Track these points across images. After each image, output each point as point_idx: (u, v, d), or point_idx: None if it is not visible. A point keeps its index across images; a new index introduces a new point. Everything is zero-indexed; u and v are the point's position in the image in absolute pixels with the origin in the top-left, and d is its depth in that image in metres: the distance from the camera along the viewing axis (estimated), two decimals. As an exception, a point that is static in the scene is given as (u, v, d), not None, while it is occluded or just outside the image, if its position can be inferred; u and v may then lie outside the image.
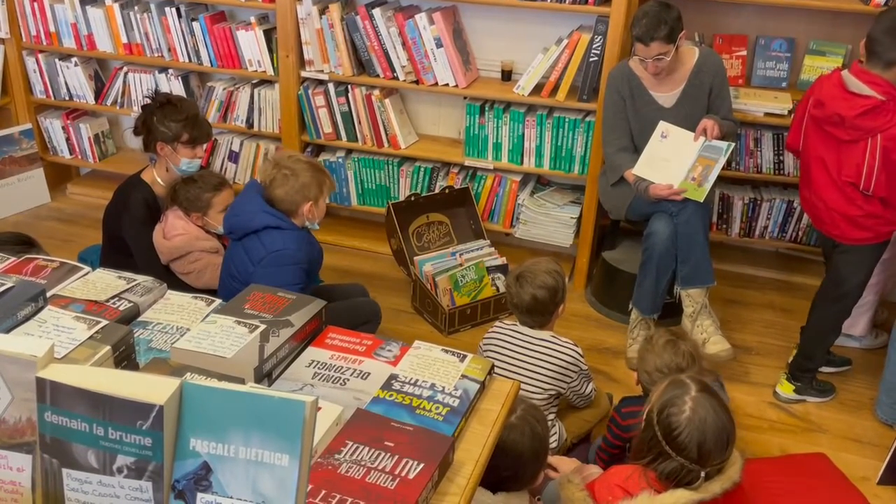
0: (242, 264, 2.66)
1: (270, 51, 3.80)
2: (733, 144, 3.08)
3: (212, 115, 4.01)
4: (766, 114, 3.43)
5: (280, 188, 2.62)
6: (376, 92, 3.73)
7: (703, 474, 1.82)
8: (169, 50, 3.97)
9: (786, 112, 3.38)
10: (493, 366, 1.63)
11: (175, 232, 2.99)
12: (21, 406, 1.05)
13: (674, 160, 3.08)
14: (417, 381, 1.55)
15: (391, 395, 1.51)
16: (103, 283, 1.71)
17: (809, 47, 3.55)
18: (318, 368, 1.59)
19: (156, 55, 4.01)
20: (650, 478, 1.86)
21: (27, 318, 1.47)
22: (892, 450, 2.64)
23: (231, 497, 0.99)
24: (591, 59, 3.39)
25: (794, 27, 3.56)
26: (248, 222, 2.66)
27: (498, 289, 3.46)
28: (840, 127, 2.62)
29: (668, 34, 2.93)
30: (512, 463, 1.87)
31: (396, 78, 3.67)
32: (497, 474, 1.86)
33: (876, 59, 2.59)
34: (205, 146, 3.09)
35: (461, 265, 3.47)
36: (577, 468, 2.37)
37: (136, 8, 3.94)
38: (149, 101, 3.04)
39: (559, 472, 2.32)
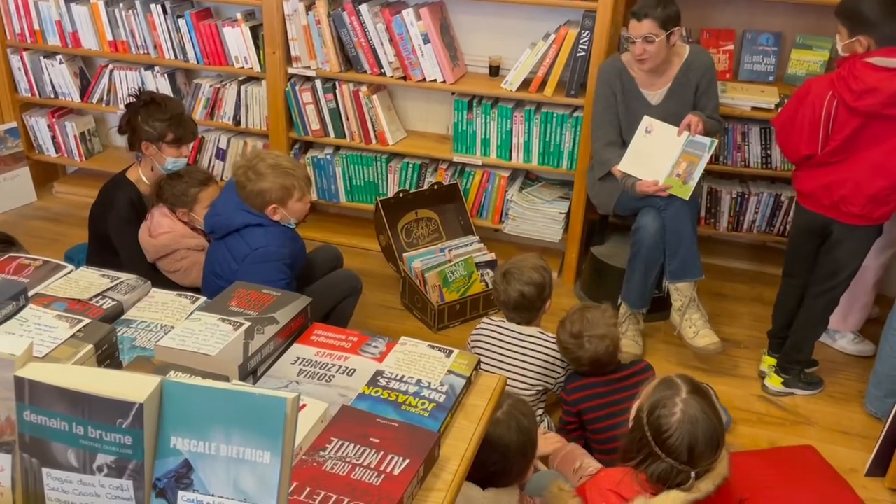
0: (226, 262, 2.66)
1: (257, 47, 3.78)
2: (717, 140, 3.08)
3: (198, 113, 4.00)
4: (754, 108, 3.43)
5: (242, 190, 2.64)
6: (364, 88, 3.72)
7: (692, 475, 1.80)
8: (155, 47, 3.94)
9: (773, 106, 3.38)
10: (479, 361, 1.63)
11: (161, 230, 2.97)
12: (0, 405, 1.04)
13: (658, 155, 3.08)
14: (403, 377, 1.55)
15: (377, 392, 1.50)
16: (86, 281, 1.70)
17: (796, 41, 3.55)
18: (304, 365, 1.58)
19: (141, 52, 3.98)
20: (641, 480, 1.84)
21: (8, 317, 1.46)
22: (879, 442, 2.66)
23: (212, 495, 0.98)
24: (578, 55, 3.39)
25: (780, 21, 3.57)
26: (229, 221, 2.66)
27: (487, 285, 3.46)
28: None
29: (664, 18, 2.93)
30: (499, 458, 1.86)
31: (384, 74, 3.66)
32: (485, 470, 1.85)
33: (889, 36, 2.57)
34: (190, 145, 3.08)
35: (450, 261, 3.46)
36: (559, 449, 2.37)
37: (121, 5, 3.91)
38: (133, 99, 3.02)
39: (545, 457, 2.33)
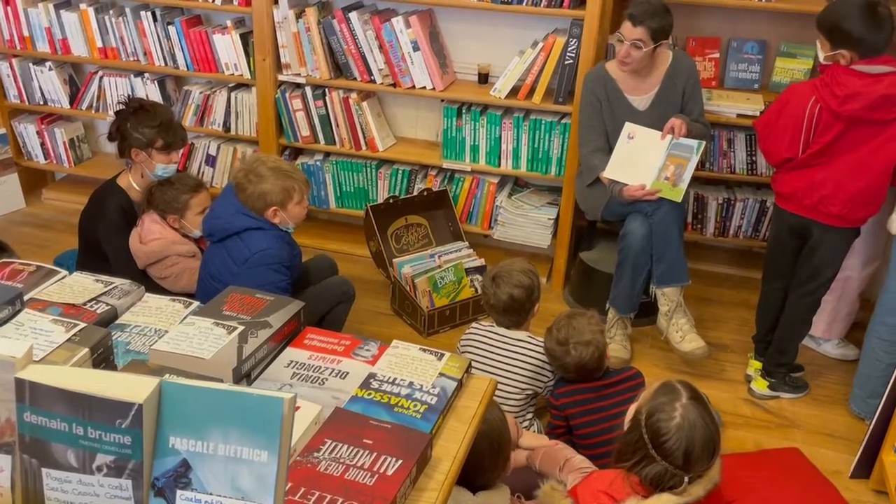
0: (224, 265, 2.66)
1: (247, 54, 3.80)
2: (704, 142, 3.12)
3: (188, 119, 4.00)
4: (739, 115, 3.48)
5: (242, 192, 2.65)
6: (354, 95, 3.75)
7: (686, 479, 1.81)
8: (144, 54, 3.95)
9: (758, 113, 3.43)
10: (470, 364, 1.65)
11: (151, 236, 2.98)
12: (0, 407, 1.06)
13: (643, 160, 3.11)
14: (396, 379, 1.56)
15: (370, 394, 1.52)
16: (80, 286, 1.71)
17: (780, 49, 3.61)
18: (297, 369, 1.60)
19: (131, 59, 3.99)
20: (633, 482, 1.85)
21: (4, 322, 1.47)
22: (863, 444, 2.69)
23: (211, 494, 1.00)
24: (566, 62, 3.43)
25: (765, 29, 3.62)
26: (228, 224, 2.67)
27: (477, 290, 3.48)
28: (884, 108, 2.63)
29: (656, 30, 2.98)
30: (472, 459, 1.87)
31: (373, 81, 3.68)
32: (463, 475, 1.86)
33: (872, 48, 2.62)
34: (180, 151, 3.09)
35: (440, 267, 3.48)
36: (541, 447, 2.39)
37: (111, 12, 3.92)
38: (123, 106, 3.03)
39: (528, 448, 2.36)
